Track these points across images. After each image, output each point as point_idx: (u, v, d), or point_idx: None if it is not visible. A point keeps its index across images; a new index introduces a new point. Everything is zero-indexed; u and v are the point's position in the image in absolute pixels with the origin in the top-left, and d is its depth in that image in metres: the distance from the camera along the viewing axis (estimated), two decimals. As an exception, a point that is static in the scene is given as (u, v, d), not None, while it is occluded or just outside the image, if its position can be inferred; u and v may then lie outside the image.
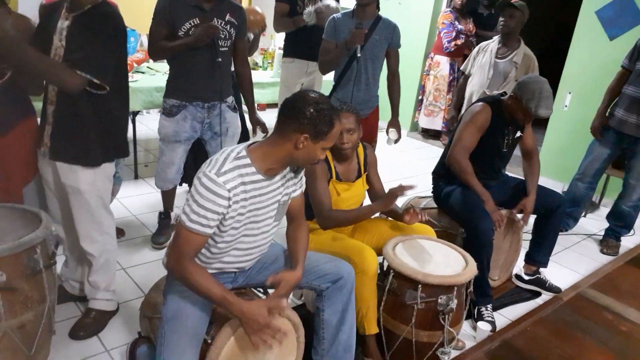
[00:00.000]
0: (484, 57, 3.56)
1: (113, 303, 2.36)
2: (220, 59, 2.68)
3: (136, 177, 3.99)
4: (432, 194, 2.99)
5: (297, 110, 1.62)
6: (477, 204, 2.63)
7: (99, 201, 2.17)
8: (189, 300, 1.70)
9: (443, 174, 2.89)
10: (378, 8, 3.05)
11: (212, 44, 2.63)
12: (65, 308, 2.40)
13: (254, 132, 3.06)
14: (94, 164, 2.11)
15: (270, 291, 2.06)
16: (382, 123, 3.30)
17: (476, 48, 3.68)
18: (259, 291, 2.03)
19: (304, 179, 1.92)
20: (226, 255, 1.78)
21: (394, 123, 3.22)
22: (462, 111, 3.63)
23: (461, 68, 3.86)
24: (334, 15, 3.09)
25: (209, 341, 1.71)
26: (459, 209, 2.68)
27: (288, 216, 1.95)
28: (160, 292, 2.01)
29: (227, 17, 2.68)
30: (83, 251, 2.25)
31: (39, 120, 2.21)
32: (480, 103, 2.74)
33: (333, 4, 3.62)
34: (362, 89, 3.05)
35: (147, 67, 4.22)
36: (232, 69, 2.94)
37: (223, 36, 2.67)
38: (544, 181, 3.27)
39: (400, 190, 2.20)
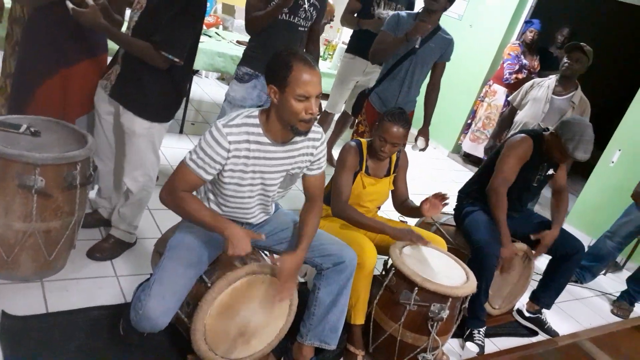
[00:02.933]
0: (539, 91, 3.55)
1: (133, 236, 2.52)
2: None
3: (181, 131, 4.17)
4: (453, 212, 3.03)
5: (266, 66, 1.71)
6: (491, 230, 2.65)
7: (149, 145, 2.33)
8: (194, 235, 1.83)
9: (469, 194, 2.92)
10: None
11: (292, 24, 2.77)
12: (90, 232, 2.56)
13: None
14: (153, 118, 2.26)
15: (276, 256, 2.18)
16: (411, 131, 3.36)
17: (530, 82, 3.68)
18: (265, 253, 2.14)
19: (324, 160, 1.99)
20: (230, 207, 1.89)
21: (424, 132, 3.28)
22: None
23: (509, 99, 3.85)
24: (399, 12, 3.15)
25: (209, 285, 1.82)
26: (472, 229, 2.71)
27: (306, 194, 2.04)
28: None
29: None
30: (120, 184, 2.42)
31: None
32: (523, 135, 2.76)
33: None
34: (403, 91, 3.10)
35: (216, 32, 4.39)
36: None
37: (304, 16, 2.80)
38: (571, 230, 3.26)
39: (416, 239, 2.35)
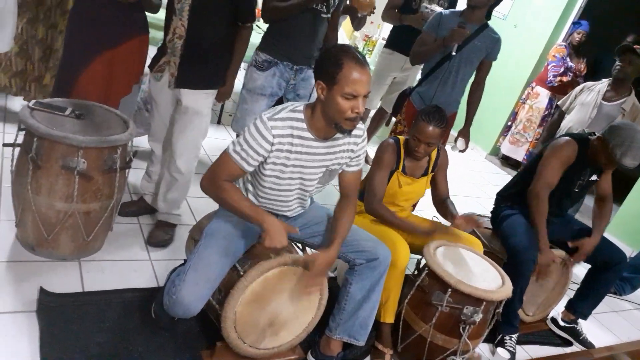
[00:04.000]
0: (589, 95, 3.43)
1: (178, 217, 2.60)
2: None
3: (219, 122, 4.21)
4: (490, 215, 2.96)
5: (317, 61, 1.71)
6: (529, 235, 2.58)
7: (203, 120, 2.43)
8: (230, 224, 1.84)
9: (508, 197, 2.85)
10: (489, 17, 3.02)
11: (316, 11, 2.74)
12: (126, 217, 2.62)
13: None
14: (216, 85, 2.41)
15: (308, 250, 2.17)
16: (453, 132, 3.29)
17: (580, 86, 3.56)
18: (298, 246, 2.13)
19: (362, 157, 1.98)
20: (267, 199, 1.89)
21: (465, 133, 3.20)
22: None
23: (558, 103, 3.73)
24: (442, 11, 3.08)
25: (242, 273, 1.83)
26: (509, 233, 2.65)
27: (341, 191, 2.03)
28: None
29: None
30: (173, 168, 2.48)
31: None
32: (567, 138, 2.67)
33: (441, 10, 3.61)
34: (446, 91, 3.02)
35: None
36: None
37: (327, 3, 2.78)
38: (612, 240, 3.14)
39: (444, 232, 2.33)
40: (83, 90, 2.34)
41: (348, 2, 3.35)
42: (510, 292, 2.18)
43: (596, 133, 2.68)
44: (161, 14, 3.48)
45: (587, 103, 3.40)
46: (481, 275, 2.22)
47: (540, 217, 2.59)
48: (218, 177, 1.76)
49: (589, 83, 3.54)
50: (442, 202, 2.55)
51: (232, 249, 1.83)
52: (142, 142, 3.27)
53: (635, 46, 3.26)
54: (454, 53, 2.85)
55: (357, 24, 3.85)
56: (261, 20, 3.04)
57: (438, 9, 3.60)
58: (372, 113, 4.44)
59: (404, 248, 2.21)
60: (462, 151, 3.20)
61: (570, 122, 3.46)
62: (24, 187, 2.03)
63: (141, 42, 2.50)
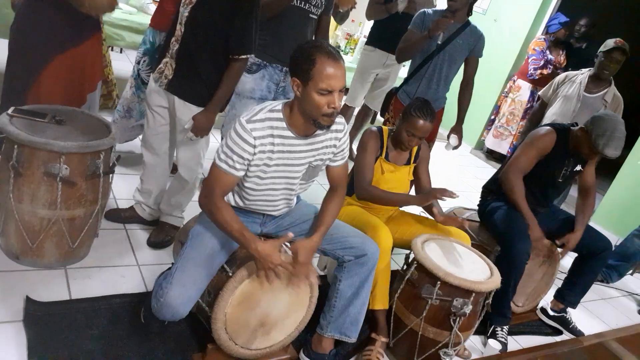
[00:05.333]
0: (571, 88, 3.45)
1: (182, 220, 2.59)
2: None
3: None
4: (477, 207, 2.98)
5: (290, 58, 1.69)
6: (520, 225, 2.61)
7: (206, 140, 2.40)
8: (217, 227, 1.82)
9: (494, 190, 2.87)
10: (469, 14, 3.04)
11: (304, 11, 2.74)
12: (113, 223, 2.59)
13: None
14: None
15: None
16: (443, 130, 3.30)
17: (562, 76, 3.57)
18: (287, 245, 2.12)
19: (346, 151, 1.97)
20: (252, 200, 1.88)
21: (457, 129, 3.22)
22: None
23: (540, 93, 3.77)
24: (426, 9, 3.11)
25: (230, 274, 1.82)
26: (499, 226, 2.67)
27: (330, 184, 2.03)
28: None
29: None
30: (166, 175, 2.48)
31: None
32: (547, 127, 2.70)
33: None
34: (431, 88, 3.05)
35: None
36: None
37: (315, 2, 2.78)
38: (598, 229, 3.17)
39: (441, 193, 2.23)
40: (45, 92, 2.27)
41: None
42: (498, 282, 2.19)
43: (578, 123, 2.72)
44: (138, 18, 3.50)
45: (570, 96, 3.43)
46: (470, 267, 2.23)
47: (517, 195, 2.64)
48: (213, 193, 1.73)
49: (570, 73, 3.56)
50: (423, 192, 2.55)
51: (218, 249, 1.82)
52: (125, 147, 3.25)
53: (618, 40, 3.29)
54: (439, 42, 2.87)
55: (340, 18, 3.86)
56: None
57: None
58: (356, 111, 4.44)
59: (385, 232, 2.23)
60: (456, 148, 3.21)
61: (554, 114, 3.48)
62: (6, 195, 2.00)
63: (99, 40, 2.51)
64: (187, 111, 2.28)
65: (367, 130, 2.45)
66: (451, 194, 2.23)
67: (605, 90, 3.40)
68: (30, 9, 2.23)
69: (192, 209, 2.40)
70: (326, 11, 2.90)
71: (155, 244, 2.50)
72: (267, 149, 1.72)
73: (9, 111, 2.02)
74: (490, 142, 5.71)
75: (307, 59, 1.62)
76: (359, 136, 4.49)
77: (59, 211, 2.04)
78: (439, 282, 2.10)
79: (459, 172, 5.20)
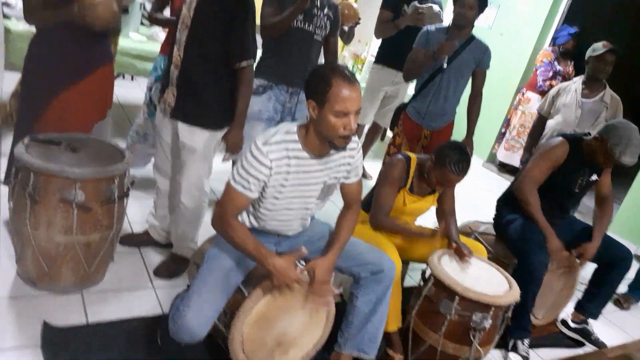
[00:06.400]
0: (568, 96, 3.44)
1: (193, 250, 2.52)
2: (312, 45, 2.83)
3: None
4: (492, 221, 2.95)
5: (306, 81, 1.71)
6: (536, 237, 2.58)
7: (206, 162, 2.36)
8: (232, 248, 1.82)
9: (508, 202, 2.84)
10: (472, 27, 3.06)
11: (308, 33, 2.78)
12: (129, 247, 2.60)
13: None
14: (214, 127, 2.28)
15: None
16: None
17: (555, 89, 3.56)
18: (302, 263, 2.11)
19: (360, 168, 1.97)
20: (267, 221, 1.88)
21: (468, 142, 3.21)
22: None
23: (537, 109, 3.75)
24: (428, 27, 3.14)
25: (246, 294, 1.81)
26: (515, 238, 2.64)
27: (345, 201, 2.02)
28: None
29: (326, 10, 2.84)
30: (178, 203, 2.44)
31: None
32: (559, 138, 2.69)
33: (436, 8, 3.63)
34: (439, 103, 3.07)
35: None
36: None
37: (319, 24, 2.82)
38: (615, 238, 3.12)
39: (456, 250, 2.29)
40: (55, 121, 2.30)
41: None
42: (517, 295, 2.16)
43: (591, 133, 2.70)
44: (149, 45, 3.57)
45: (569, 104, 3.41)
46: (488, 281, 2.20)
47: (533, 207, 2.61)
48: (226, 213, 1.74)
49: (562, 84, 3.56)
50: (444, 218, 2.52)
51: (235, 271, 1.82)
52: (141, 172, 3.28)
53: (605, 42, 3.29)
54: (445, 66, 2.90)
55: (347, 37, 3.89)
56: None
57: (433, 6, 3.61)
58: (366, 128, 4.45)
59: (393, 253, 2.21)
60: None
61: (558, 124, 3.46)
62: (23, 222, 2.02)
63: (109, 70, 2.50)
64: (190, 135, 2.27)
65: (394, 159, 2.40)
66: (465, 254, 2.29)
67: (602, 93, 3.39)
68: (42, 40, 2.28)
69: (205, 230, 2.41)
70: (332, 33, 2.94)
71: (160, 274, 2.45)
72: (282, 170, 1.73)
73: (25, 140, 2.06)
74: (502, 155, 5.68)
75: (323, 81, 1.63)
76: (369, 154, 4.53)
77: (75, 237, 2.05)
78: (457, 297, 2.07)
79: (472, 186, 5.17)
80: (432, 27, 3.11)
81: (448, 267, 2.20)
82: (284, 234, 1.97)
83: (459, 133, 3.33)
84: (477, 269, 2.29)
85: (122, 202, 2.18)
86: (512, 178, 5.58)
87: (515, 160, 5.57)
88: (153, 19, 2.90)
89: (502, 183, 5.51)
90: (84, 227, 2.06)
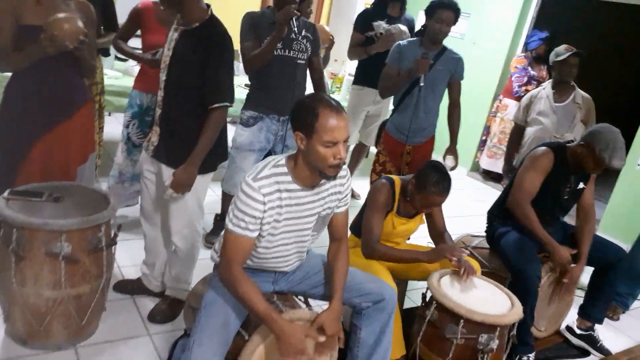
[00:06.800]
0: (540, 104, 3.46)
1: (187, 293, 2.40)
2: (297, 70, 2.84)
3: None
4: (485, 234, 2.94)
5: (291, 113, 1.69)
6: (528, 248, 2.57)
7: (195, 202, 2.28)
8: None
9: (499, 214, 2.84)
10: None
11: (291, 58, 2.77)
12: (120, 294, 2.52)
13: None
14: (199, 170, 2.17)
15: (311, 300, 2.11)
16: (436, 155, 3.30)
17: (526, 98, 3.59)
18: (300, 299, 2.07)
19: (349, 197, 1.94)
20: (264, 259, 1.83)
21: (452, 150, 3.23)
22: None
23: (512, 119, 3.78)
24: (400, 42, 3.14)
25: (246, 337, 1.75)
26: (507, 250, 2.62)
27: (331, 234, 1.98)
28: (206, 285, 2.09)
29: (303, 32, 2.84)
30: (169, 245, 2.37)
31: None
32: (543, 147, 2.69)
33: (405, 30, 3.66)
34: (420, 117, 3.07)
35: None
36: None
37: (299, 48, 2.81)
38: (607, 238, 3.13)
39: (450, 253, 2.24)
40: (35, 170, 2.21)
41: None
42: (521, 312, 2.14)
43: (574, 139, 2.71)
44: (125, 81, 3.51)
45: (544, 111, 3.44)
46: (490, 300, 2.18)
47: (532, 222, 2.59)
48: (232, 260, 1.68)
49: (533, 92, 3.58)
50: (440, 236, 2.50)
51: (235, 316, 1.76)
52: (125, 212, 3.20)
53: (566, 45, 3.33)
54: (421, 84, 2.90)
55: (323, 60, 3.89)
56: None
57: (400, 26, 3.64)
58: (351, 148, 4.43)
59: (388, 279, 2.18)
60: (453, 169, 3.19)
61: (537, 132, 3.46)
62: (8, 280, 1.94)
63: (89, 111, 2.43)
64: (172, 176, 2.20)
65: (378, 184, 2.38)
66: (460, 253, 2.25)
67: (573, 95, 3.42)
68: (17, 85, 2.19)
69: (199, 270, 2.35)
70: (314, 53, 2.96)
71: (155, 319, 2.37)
72: (275, 205, 1.69)
73: (5, 194, 1.98)
74: (486, 163, 5.71)
75: (309, 113, 1.61)
76: (356, 173, 4.51)
77: (64, 290, 1.98)
78: (462, 321, 2.04)
79: (459, 197, 5.17)
80: (403, 42, 3.11)
81: (449, 290, 2.17)
82: (281, 270, 1.92)
83: (439, 145, 3.33)
84: (478, 288, 2.26)
85: (110, 249, 2.11)
86: (497, 185, 5.66)
87: (498, 167, 5.59)
88: (117, 47, 2.84)
89: (488, 191, 5.54)
90: (72, 280, 1.99)
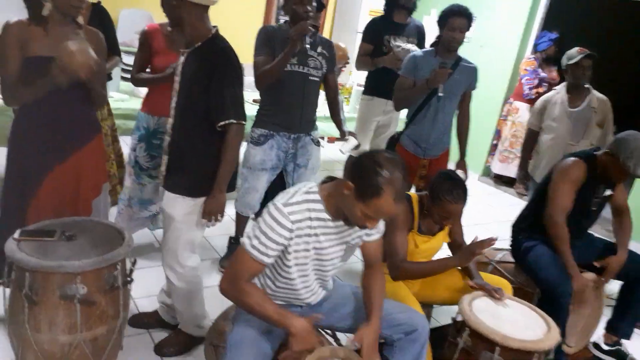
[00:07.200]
0: (555, 109, 3.38)
1: (202, 330, 2.31)
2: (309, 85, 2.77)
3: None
4: (510, 247, 2.84)
5: (361, 159, 1.58)
6: (558, 265, 2.49)
7: (188, 234, 2.15)
8: (253, 329, 1.69)
9: (524, 227, 2.75)
10: None
11: (304, 75, 2.68)
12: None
13: (345, 137, 3.02)
14: (195, 194, 2.08)
15: (339, 334, 2.02)
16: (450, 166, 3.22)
17: (540, 102, 3.50)
18: (327, 333, 1.98)
19: (382, 224, 1.86)
20: (288, 289, 1.76)
21: (461, 164, 3.17)
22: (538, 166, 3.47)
23: (527, 124, 3.70)
24: (414, 52, 3.08)
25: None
26: (536, 267, 2.54)
27: (366, 261, 1.90)
28: (228, 320, 2.00)
29: (319, 49, 2.76)
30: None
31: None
32: (573, 158, 2.60)
33: (414, 48, 3.59)
34: (438, 128, 3.00)
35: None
36: None
37: (314, 65, 2.73)
38: (635, 246, 3.01)
39: (479, 247, 2.13)
40: (47, 206, 2.12)
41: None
42: (558, 336, 2.04)
43: (600, 147, 2.63)
44: (132, 103, 3.43)
45: (559, 117, 3.35)
46: (525, 323, 2.08)
47: (563, 243, 2.51)
48: (238, 278, 1.62)
49: (546, 96, 3.50)
50: (459, 248, 2.43)
51: (262, 356, 1.67)
52: (141, 236, 3.12)
53: (579, 48, 3.25)
54: (441, 94, 2.82)
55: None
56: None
57: (409, 46, 3.58)
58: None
59: (416, 306, 2.11)
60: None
61: (552, 139, 3.38)
62: (21, 326, 1.85)
63: (100, 140, 2.34)
64: (172, 202, 2.10)
65: None
66: (489, 242, 2.15)
67: (588, 98, 3.33)
68: (27, 117, 2.11)
69: (215, 299, 2.25)
70: (330, 70, 2.89)
71: (162, 351, 2.27)
72: (304, 233, 1.62)
73: (16, 235, 1.89)
74: (498, 167, 5.61)
75: (375, 187, 1.51)
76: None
77: (80, 334, 1.88)
78: (497, 348, 1.94)
79: (472, 203, 5.07)
80: (418, 53, 3.05)
81: (481, 314, 2.07)
82: (306, 302, 1.83)
83: (452, 156, 3.25)
84: (511, 311, 2.16)
85: (126, 287, 2.02)
86: (510, 190, 5.56)
87: (510, 171, 5.51)
88: (138, 80, 2.76)
89: (501, 196, 5.45)
90: (89, 322, 1.89)
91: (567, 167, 2.58)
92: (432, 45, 3.08)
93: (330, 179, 1.72)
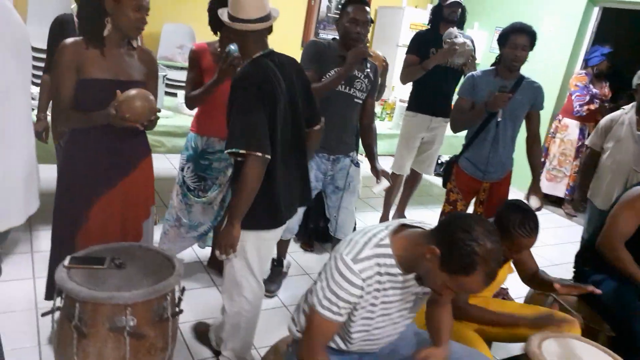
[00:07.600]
0: (622, 130, 3.17)
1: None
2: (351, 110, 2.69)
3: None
4: (572, 280, 2.66)
5: (452, 224, 1.41)
6: (632, 300, 2.30)
7: (244, 264, 2.06)
8: None
9: (589, 258, 2.57)
10: None
11: (349, 96, 2.59)
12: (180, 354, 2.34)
13: (378, 179, 2.83)
14: (244, 226, 1.96)
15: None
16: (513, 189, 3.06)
17: (605, 120, 3.30)
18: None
19: None
20: (357, 343, 1.64)
21: (536, 189, 2.98)
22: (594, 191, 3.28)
23: (588, 143, 3.50)
24: (473, 73, 2.95)
25: None
26: (609, 305, 2.36)
27: (431, 298, 1.77)
28: (279, 355, 1.90)
29: (367, 71, 2.65)
30: None
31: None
32: (641, 187, 2.43)
33: (469, 44, 3.46)
34: (499, 151, 2.86)
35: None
36: None
37: (360, 87, 2.64)
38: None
39: (567, 290, 2.08)
40: (97, 231, 2.08)
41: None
42: (638, 385, 1.87)
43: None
44: (177, 120, 3.37)
45: (623, 138, 3.14)
46: (601, 370, 1.91)
47: (630, 264, 2.34)
48: (316, 345, 1.53)
49: (614, 115, 3.29)
50: (532, 276, 2.29)
51: None
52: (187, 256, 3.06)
53: None
54: (499, 119, 2.69)
55: (378, 93, 3.71)
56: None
57: (461, 40, 3.43)
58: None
59: (483, 348, 1.99)
60: (538, 210, 2.89)
61: (614, 163, 3.18)
62: (70, 358, 1.78)
63: (150, 162, 2.28)
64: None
65: None
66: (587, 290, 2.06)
67: None
68: (76, 145, 2.07)
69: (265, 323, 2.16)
70: (371, 94, 2.76)
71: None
72: (373, 289, 1.50)
73: (66, 262, 1.84)
74: (545, 187, 5.37)
75: (466, 265, 1.36)
76: (410, 202, 4.28)
77: (128, 367, 1.81)
78: (573, 398, 1.78)
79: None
80: (477, 72, 2.92)
81: (552, 358, 1.91)
82: (370, 352, 1.71)
83: (515, 180, 3.09)
84: (582, 353, 1.99)
85: (175, 318, 1.94)
86: (558, 210, 5.33)
87: (559, 190, 5.29)
88: (191, 99, 2.65)
89: (549, 216, 5.23)
90: (137, 355, 1.81)
91: (634, 196, 2.41)
92: (492, 65, 2.93)
93: (404, 226, 1.57)
